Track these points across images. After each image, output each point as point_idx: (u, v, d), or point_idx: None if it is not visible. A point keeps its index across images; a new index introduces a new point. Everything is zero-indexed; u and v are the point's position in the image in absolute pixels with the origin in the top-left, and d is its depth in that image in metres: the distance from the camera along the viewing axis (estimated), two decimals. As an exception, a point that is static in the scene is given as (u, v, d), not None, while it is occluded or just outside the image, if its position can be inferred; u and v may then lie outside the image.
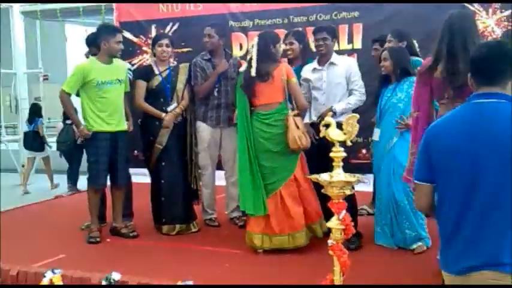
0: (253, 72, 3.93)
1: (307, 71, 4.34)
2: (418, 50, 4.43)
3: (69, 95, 4.38)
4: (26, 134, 7.85)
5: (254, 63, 3.94)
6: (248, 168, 3.97)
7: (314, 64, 4.32)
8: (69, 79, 4.38)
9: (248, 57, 4.10)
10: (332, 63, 4.23)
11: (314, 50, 4.41)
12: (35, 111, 7.81)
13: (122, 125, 4.50)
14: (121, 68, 4.53)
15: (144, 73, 4.73)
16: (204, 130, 4.77)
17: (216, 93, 4.69)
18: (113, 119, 4.40)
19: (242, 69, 4.12)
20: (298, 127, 3.91)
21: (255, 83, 3.96)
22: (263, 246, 3.95)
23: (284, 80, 3.96)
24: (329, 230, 2.69)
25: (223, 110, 4.72)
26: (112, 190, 4.59)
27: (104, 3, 7.04)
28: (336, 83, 4.20)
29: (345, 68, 4.21)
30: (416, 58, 4.17)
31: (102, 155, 4.38)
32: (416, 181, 2.01)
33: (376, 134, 4.11)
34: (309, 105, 4.27)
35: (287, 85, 3.99)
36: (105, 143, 4.38)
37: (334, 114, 3.80)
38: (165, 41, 4.65)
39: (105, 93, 4.36)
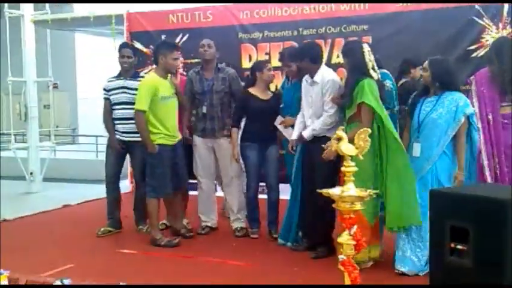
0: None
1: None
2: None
3: (145, 112, 4.43)
4: None
5: None
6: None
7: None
8: (142, 97, 4.43)
9: None
10: (315, 82, 4.10)
11: None
12: None
13: (179, 135, 4.71)
14: (172, 82, 4.68)
15: None
16: (195, 140, 4.94)
17: (203, 106, 4.82)
18: (173, 131, 4.60)
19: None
20: None
21: None
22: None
23: None
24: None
25: (209, 122, 4.83)
26: (174, 195, 4.73)
27: (114, 13, 7.09)
28: (319, 99, 4.09)
29: (322, 86, 4.07)
30: (383, 71, 4.31)
31: (168, 166, 4.55)
32: None
33: (416, 149, 3.78)
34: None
35: None
36: (169, 153, 4.55)
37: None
38: None
39: (167, 107, 4.54)
